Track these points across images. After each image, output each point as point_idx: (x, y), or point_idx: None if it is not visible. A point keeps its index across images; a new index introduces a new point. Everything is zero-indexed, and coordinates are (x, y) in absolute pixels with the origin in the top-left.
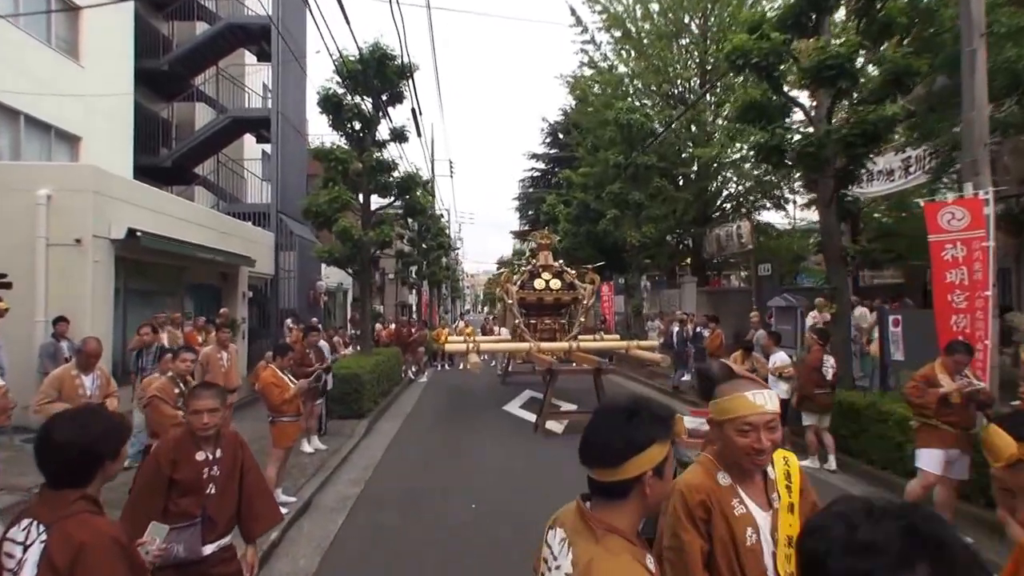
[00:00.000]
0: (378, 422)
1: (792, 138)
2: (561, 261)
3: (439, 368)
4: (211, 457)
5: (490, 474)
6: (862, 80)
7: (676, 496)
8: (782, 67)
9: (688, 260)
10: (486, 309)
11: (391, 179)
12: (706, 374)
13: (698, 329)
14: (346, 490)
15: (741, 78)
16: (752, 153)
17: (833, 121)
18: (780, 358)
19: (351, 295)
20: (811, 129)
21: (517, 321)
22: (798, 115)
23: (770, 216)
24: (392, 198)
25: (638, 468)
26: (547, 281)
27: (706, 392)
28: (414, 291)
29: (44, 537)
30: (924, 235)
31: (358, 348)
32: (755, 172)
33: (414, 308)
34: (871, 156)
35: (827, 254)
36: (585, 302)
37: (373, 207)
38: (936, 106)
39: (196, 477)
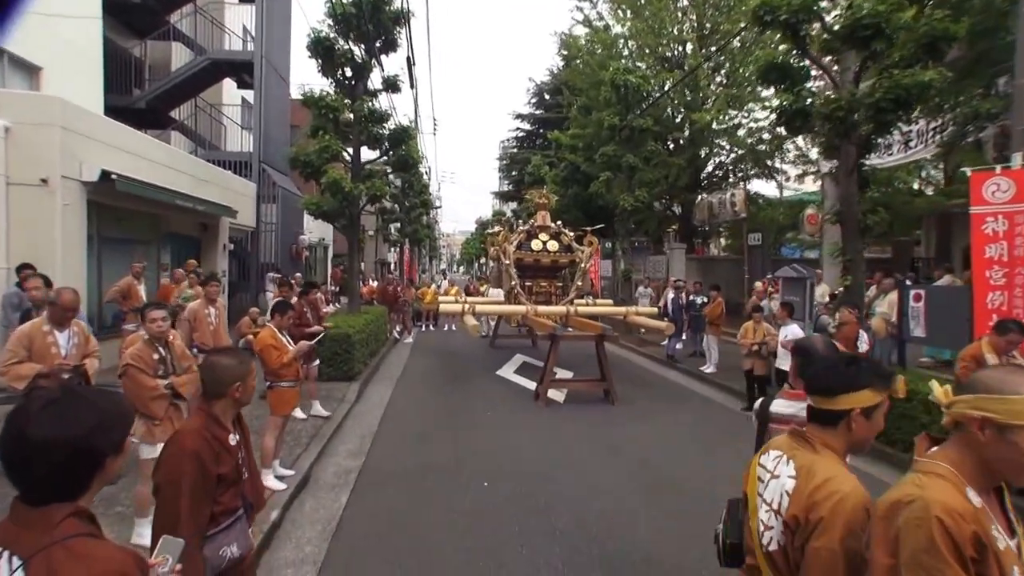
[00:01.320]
0: (369, 386)
1: (816, 101)
2: (559, 222)
3: (423, 328)
4: (239, 438)
5: (496, 448)
6: (896, 43)
7: (933, 524)
8: (810, 28)
9: (675, 227)
10: (462, 269)
11: (383, 131)
12: (807, 350)
13: (692, 297)
14: (346, 463)
15: (756, 35)
16: (774, 116)
17: (860, 85)
18: (793, 331)
19: (331, 251)
20: (830, 94)
21: (513, 283)
22: (815, 81)
23: (759, 186)
24: (383, 151)
25: (848, 403)
26: (544, 242)
27: (806, 372)
28: (394, 249)
29: None
30: (911, 210)
31: (337, 306)
32: (748, 140)
33: (392, 266)
34: (900, 124)
35: (844, 224)
36: (583, 265)
37: (362, 160)
38: (953, 76)
39: (235, 465)
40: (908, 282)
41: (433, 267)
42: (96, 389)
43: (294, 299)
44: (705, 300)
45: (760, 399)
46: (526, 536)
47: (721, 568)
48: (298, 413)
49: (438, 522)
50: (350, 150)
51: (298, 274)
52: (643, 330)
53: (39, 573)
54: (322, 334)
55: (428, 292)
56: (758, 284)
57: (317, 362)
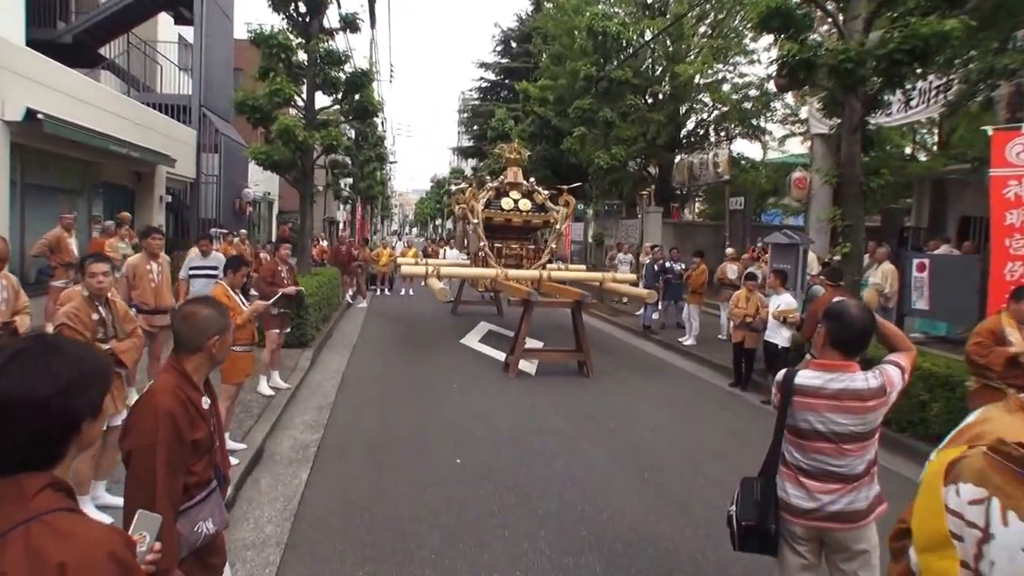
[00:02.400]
0: (322, 352)
1: (822, 51)
2: (532, 180)
3: (378, 293)
4: (209, 403)
5: (466, 422)
6: None
7: None
8: None
9: (651, 189)
10: (415, 231)
11: (340, 74)
12: (840, 315)
13: (668, 264)
14: (303, 436)
15: None
16: (775, 69)
17: (870, 35)
18: (786, 301)
19: (277, 206)
20: (837, 44)
21: (482, 244)
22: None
23: (742, 147)
24: (339, 97)
25: None
26: (516, 201)
27: (842, 341)
28: (345, 206)
29: None
30: (903, 176)
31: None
32: (733, 96)
33: (342, 225)
34: (912, 79)
35: (845, 187)
36: (558, 227)
37: (317, 106)
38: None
39: (209, 431)
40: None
41: (385, 228)
42: (71, 340)
43: (262, 255)
44: (683, 267)
45: (783, 370)
46: (506, 516)
47: (733, 552)
48: (264, 388)
49: (409, 499)
50: (304, 95)
51: (243, 231)
52: (624, 299)
53: (17, 552)
54: (284, 295)
55: (383, 254)
56: (729, 250)
57: (288, 330)
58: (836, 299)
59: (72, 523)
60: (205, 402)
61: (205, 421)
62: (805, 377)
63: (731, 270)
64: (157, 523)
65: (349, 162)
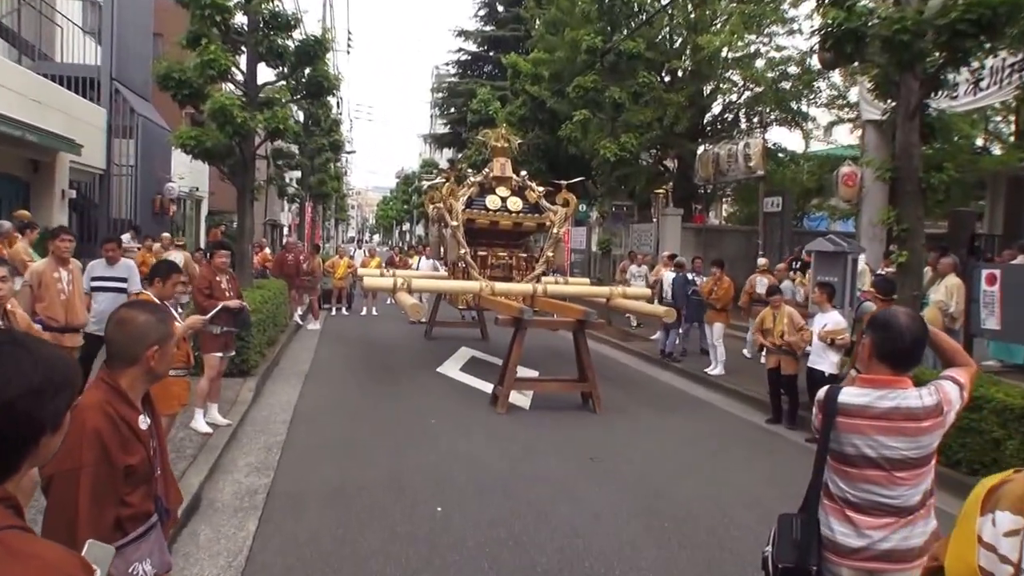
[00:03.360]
0: (268, 383)
1: (873, 20)
2: (525, 173)
3: (333, 312)
4: (150, 422)
5: (447, 466)
6: None
7: None
8: None
9: (668, 187)
10: (376, 238)
11: (288, 42)
12: (887, 324)
13: (692, 276)
14: (248, 481)
15: None
16: (817, 41)
17: (930, 2)
18: (834, 320)
19: (206, 205)
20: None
21: (462, 251)
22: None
23: (779, 136)
24: (287, 69)
25: None
26: (504, 199)
27: (890, 353)
28: (293, 205)
29: None
30: (974, 172)
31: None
32: (769, 75)
33: (287, 229)
34: (980, 54)
35: (902, 183)
36: (555, 231)
37: (259, 81)
38: None
39: (146, 456)
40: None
41: (340, 233)
42: (40, 340)
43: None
44: (702, 280)
45: (825, 387)
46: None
47: None
48: (199, 424)
49: (380, 557)
50: (243, 67)
51: (165, 234)
52: (635, 322)
53: None
54: (224, 310)
55: (339, 264)
56: (762, 260)
57: (232, 353)
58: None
59: (30, 543)
60: (143, 422)
61: (142, 444)
62: (850, 395)
63: (760, 283)
64: (109, 556)
65: (297, 151)
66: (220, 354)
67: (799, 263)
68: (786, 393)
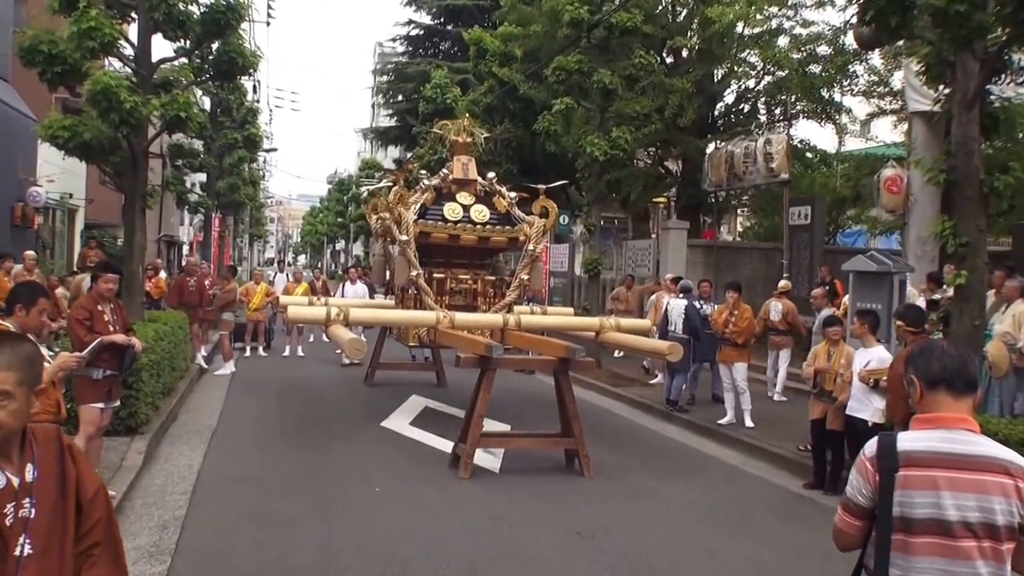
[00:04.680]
0: (163, 444)
1: None
2: (492, 176)
3: (248, 352)
4: (18, 481)
5: (396, 546)
6: None
7: None
8: None
9: (670, 194)
10: (302, 259)
11: (193, 8)
12: (932, 348)
13: (700, 304)
14: (138, 569)
15: None
16: (854, 14)
17: None
18: (878, 356)
19: (83, 216)
20: None
21: (414, 274)
22: None
23: (808, 132)
24: (191, 44)
25: None
26: (466, 208)
27: (942, 374)
28: (196, 217)
29: None
30: None
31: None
32: (794, 56)
33: (188, 247)
34: None
35: (959, 188)
36: (530, 247)
37: (153, 58)
38: None
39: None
40: None
41: (256, 253)
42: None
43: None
44: (712, 308)
45: (876, 437)
46: None
47: None
48: None
49: None
50: (134, 39)
51: (29, 252)
52: (645, 363)
53: None
54: (132, 350)
55: (256, 291)
56: (784, 282)
57: (116, 404)
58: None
59: None
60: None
61: None
62: (911, 440)
63: (775, 310)
64: None
65: (202, 148)
66: (101, 405)
67: (824, 286)
68: (832, 452)
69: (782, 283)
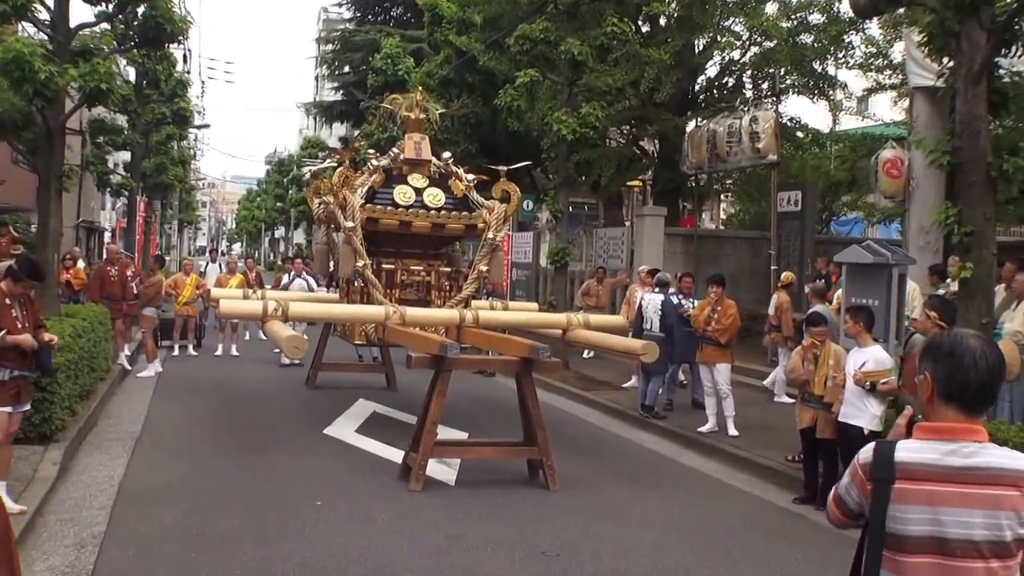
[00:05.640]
0: (80, 453)
1: None
2: (448, 156)
3: (176, 351)
4: None
5: (340, 567)
6: None
7: None
8: None
9: (645, 177)
10: (237, 247)
11: None
12: (952, 351)
13: (679, 299)
14: None
15: None
16: None
17: None
18: (875, 356)
19: None
20: None
21: (360, 264)
22: None
23: (799, 109)
24: (112, 7)
25: None
26: (419, 191)
27: (960, 390)
28: (118, 201)
29: None
30: None
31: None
32: (783, 25)
33: (110, 235)
34: None
35: (964, 171)
36: (490, 236)
37: (72, 23)
38: None
39: None
40: None
41: (187, 241)
42: None
43: None
44: (692, 304)
45: (873, 443)
46: None
47: None
48: None
49: None
50: (49, 2)
51: None
52: (636, 366)
53: None
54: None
55: (186, 284)
56: (786, 273)
57: (26, 407)
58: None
59: None
60: None
61: None
62: (910, 450)
63: (772, 303)
64: None
65: (126, 124)
66: (9, 409)
67: (820, 279)
68: (824, 462)
69: (785, 275)
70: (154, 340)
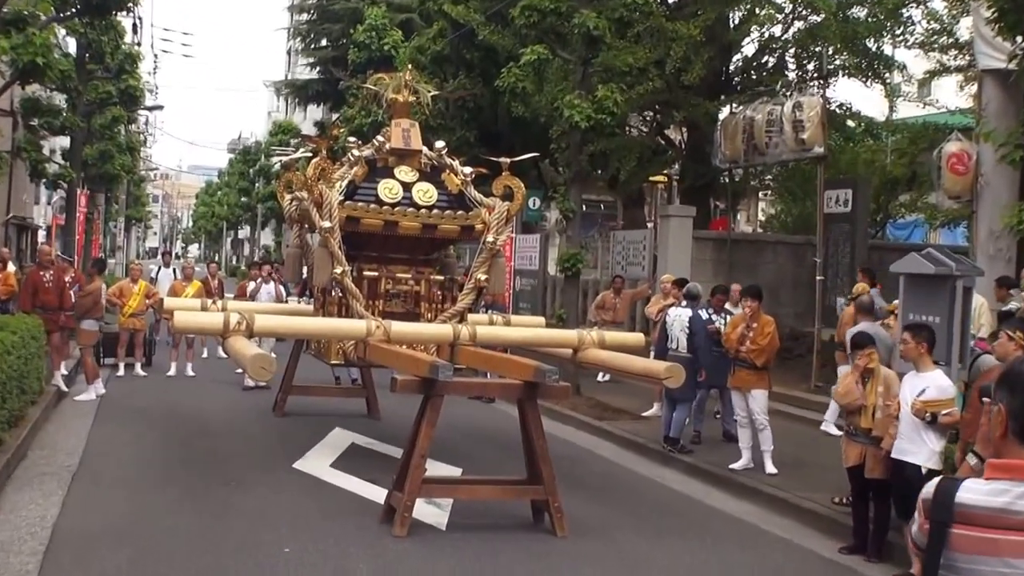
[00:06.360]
0: (8, 489)
1: None
2: (442, 146)
3: (121, 371)
4: None
5: None
6: None
7: None
8: None
9: (671, 171)
10: (194, 249)
11: None
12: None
13: (709, 314)
14: None
15: None
16: None
17: None
18: (936, 383)
19: None
20: None
21: (338, 271)
22: None
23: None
24: None
25: None
26: (408, 186)
27: None
28: (55, 194)
29: None
30: None
31: None
32: None
33: (44, 233)
34: None
35: None
36: (490, 239)
37: None
38: None
39: None
40: None
41: (134, 241)
42: None
43: None
44: (725, 320)
45: (933, 481)
46: None
47: None
48: None
49: None
50: None
51: None
52: (658, 392)
53: None
54: None
55: (133, 292)
56: (861, 285)
57: None
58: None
59: None
60: None
61: None
62: (975, 492)
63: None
64: None
65: (66, 104)
66: None
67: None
68: (875, 507)
69: (858, 286)
70: (95, 358)
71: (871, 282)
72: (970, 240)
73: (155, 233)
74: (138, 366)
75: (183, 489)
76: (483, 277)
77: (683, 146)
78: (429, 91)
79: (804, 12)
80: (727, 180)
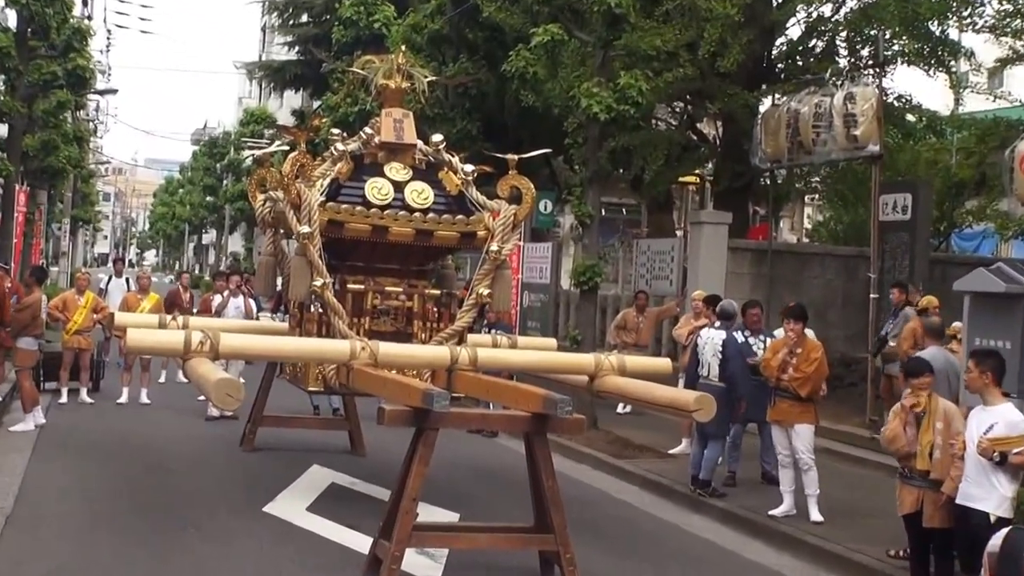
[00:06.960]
0: None
1: None
2: (440, 140)
3: (64, 397)
4: None
5: None
6: None
7: None
8: None
9: (704, 170)
10: (151, 256)
11: None
12: None
13: (745, 336)
14: None
15: None
16: None
17: None
18: (1007, 418)
19: None
20: None
21: (318, 283)
22: None
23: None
24: None
25: None
26: (399, 185)
27: None
28: None
29: None
30: None
31: None
32: None
33: None
34: None
35: None
36: (494, 247)
37: None
38: None
39: None
40: None
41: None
42: None
43: None
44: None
45: (1002, 532)
46: None
47: None
48: None
49: None
50: None
51: None
52: (687, 426)
53: None
54: None
55: (79, 305)
56: (929, 297)
57: None
58: None
59: None
60: None
61: None
62: None
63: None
64: None
65: (2, 86)
66: None
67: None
68: (935, 557)
69: (927, 298)
70: (34, 382)
71: (907, 300)
72: None
73: (106, 237)
74: (84, 392)
75: (135, 536)
76: (485, 292)
77: (718, 143)
78: (425, 76)
79: None
80: (768, 182)
